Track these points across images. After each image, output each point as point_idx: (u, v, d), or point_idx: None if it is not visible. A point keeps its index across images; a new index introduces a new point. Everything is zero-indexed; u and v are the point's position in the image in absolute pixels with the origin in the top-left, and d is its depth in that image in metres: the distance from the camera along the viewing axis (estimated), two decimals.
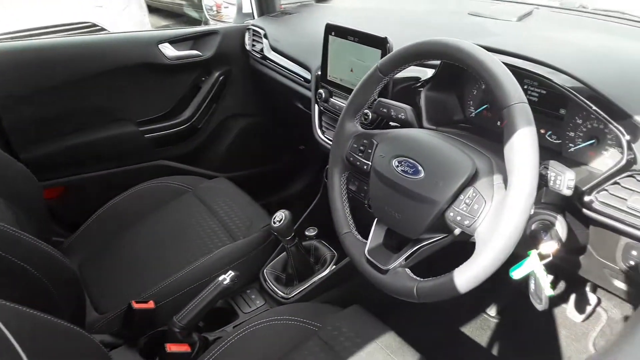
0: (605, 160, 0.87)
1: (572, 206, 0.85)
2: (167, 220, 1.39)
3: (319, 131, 1.35)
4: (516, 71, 0.77)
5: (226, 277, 1.07)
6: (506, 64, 0.76)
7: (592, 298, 1.39)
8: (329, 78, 1.27)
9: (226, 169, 1.89)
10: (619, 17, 1.23)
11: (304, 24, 1.69)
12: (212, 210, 1.41)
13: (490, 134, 1.02)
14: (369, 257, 0.88)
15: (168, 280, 1.18)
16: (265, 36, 1.67)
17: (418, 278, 0.81)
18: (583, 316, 1.40)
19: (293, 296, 1.23)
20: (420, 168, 0.82)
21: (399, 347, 0.97)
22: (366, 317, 1.05)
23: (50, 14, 3.37)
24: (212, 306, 1.05)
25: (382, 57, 1.08)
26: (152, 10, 4.81)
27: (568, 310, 1.43)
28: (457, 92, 1.10)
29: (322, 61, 1.27)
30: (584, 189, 0.81)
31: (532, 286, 0.84)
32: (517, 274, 0.81)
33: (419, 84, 1.10)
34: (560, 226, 0.85)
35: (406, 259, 0.84)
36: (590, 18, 1.30)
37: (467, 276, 0.73)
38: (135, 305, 1.07)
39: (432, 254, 0.86)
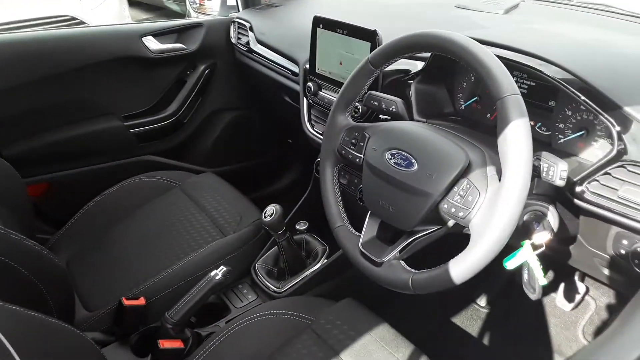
0: (595, 151, 0.88)
1: (563, 197, 0.86)
2: (155, 216, 1.37)
3: (308, 125, 1.34)
4: (506, 63, 0.77)
5: (218, 272, 1.06)
6: (497, 56, 0.76)
7: (581, 287, 1.42)
8: (317, 71, 1.26)
9: (213, 164, 1.87)
10: (604, 10, 1.25)
11: (290, 17, 1.67)
12: (201, 206, 1.40)
13: (480, 126, 1.02)
14: (363, 250, 0.88)
15: (158, 276, 1.16)
16: (251, 29, 1.65)
17: (413, 270, 0.82)
18: (572, 305, 1.42)
19: (285, 290, 1.22)
20: (413, 160, 0.82)
21: (393, 339, 0.98)
22: (359, 310, 1.05)
23: (27, 7, 3.28)
24: (205, 301, 1.04)
25: (371, 50, 1.08)
26: (132, 3, 4.72)
27: (557, 299, 1.45)
28: (446, 85, 1.10)
29: (311, 54, 1.26)
30: (575, 179, 0.82)
31: (525, 276, 0.85)
32: (510, 264, 0.82)
33: (409, 77, 1.10)
34: (552, 217, 0.86)
35: (400, 251, 0.84)
36: (575, 11, 1.31)
37: (462, 267, 0.74)
38: (126, 302, 1.06)
39: (426, 246, 0.87)
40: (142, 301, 1.09)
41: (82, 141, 1.57)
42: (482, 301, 1.57)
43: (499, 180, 0.76)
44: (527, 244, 0.82)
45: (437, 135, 0.85)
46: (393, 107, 0.97)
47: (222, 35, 1.77)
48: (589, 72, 0.82)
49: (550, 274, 1.46)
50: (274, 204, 1.15)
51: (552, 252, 0.98)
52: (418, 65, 1.08)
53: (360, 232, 0.93)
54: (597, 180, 0.81)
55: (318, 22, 1.21)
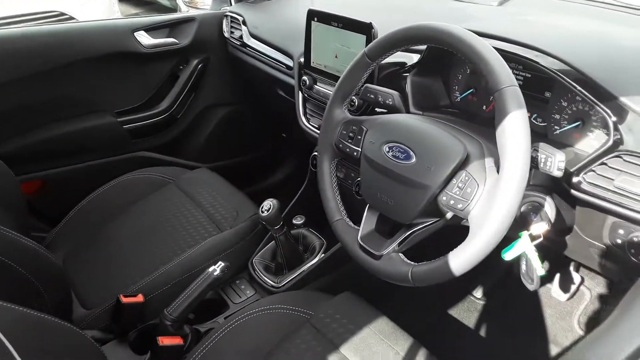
0: (591, 142, 0.88)
1: (560, 187, 0.86)
2: (150, 213, 1.37)
3: (303, 118, 1.34)
4: (502, 55, 0.77)
5: (216, 268, 1.06)
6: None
7: (576, 277, 1.43)
8: (312, 65, 1.25)
9: (207, 159, 1.86)
10: (598, 2, 1.25)
11: (283, 10, 1.66)
12: (196, 201, 1.39)
13: (476, 118, 1.03)
14: (362, 243, 0.88)
15: (156, 273, 1.16)
16: (244, 23, 1.64)
17: (412, 262, 0.82)
18: (567, 295, 1.44)
19: (283, 285, 1.22)
20: (411, 153, 0.82)
21: (392, 332, 0.98)
22: (358, 303, 1.05)
23: (14, 2, 3.24)
24: (203, 297, 1.04)
25: (367, 43, 1.08)
26: None
27: (553, 290, 1.47)
28: (442, 77, 1.10)
29: (305, 48, 1.25)
30: (571, 170, 0.82)
31: (523, 267, 0.86)
32: (509, 255, 0.83)
33: (405, 70, 1.10)
34: (549, 207, 0.86)
35: (399, 244, 0.84)
36: (569, 2, 1.31)
37: (462, 259, 0.74)
38: (124, 299, 1.06)
39: (424, 238, 0.87)
40: (140, 298, 1.09)
41: (75, 138, 1.55)
42: (478, 293, 1.58)
43: (497, 171, 0.77)
44: (525, 235, 0.83)
45: (435, 127, 0.85)
46: (390, 100, 0.97)
47: (214, 29, 1.75)
48: (585, 63, 0.82)
49: (546, 264, 1.48)
50: (271, 199, 1.15)
51: (548, 242, 0.99)
52: (414, 58, 1.08)
53: (358, 225, 0.93)
54: (593, 171, 0.81)
55: (312, 15, 1.20)
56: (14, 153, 1.45)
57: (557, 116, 0.93)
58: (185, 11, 3.94)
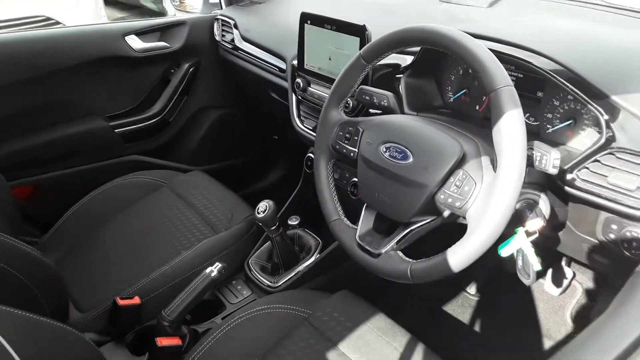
0: (583, 140, 0.90)
1: (553, 184, 0.88)
2: (144, 216, 1.36)
3: (297, 121, 1.34)
4: (496, 55, 0.78)
5: (213, 269, 1.06)
6: None
7: (568, 272, 1.45)
8: (306, 67, 1.26)
9: (200, 162, 1.86)
10: (585, 2, 1.28)
11: (275, 13, 1.67)
12: (190, 204, 1.39)
13: (469, 118, 1.04)
14: (360, 242, 0.89)
15: (152, 275, 1.16)
16: (236, 26, 1.64)
17: (411, 260, 0.83)
18: (560, 290, 1.46)
19: (280, 285, 1.23)
20: (408, 153, 0.83)
21: (389, 328, 0.99)
22: (355, 301, 1.06)
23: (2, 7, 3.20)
24: (201, 298, 1.04)
25: (361, 45, 1.09)
26: (108, 2, 4.63)
27: (545, 285, 1.49)
28: (435, 78, 1.12)
29: (299, 50, 1.26)
30: (565, 167, 0.84)
31: (519, 262, 0.87)
32: (505, 251, 0.84)
33: (398, 71, 1.11)
34: (544, 204, 0.88)
35: (397, 242, 0.85)
36: (556, 3, 1.34)
37: (460, 255, 0.75)
38: (121, 302, 1.05)
39: (422, 236, 0.88)
40: (136, 300, 1.09)
41: (67, 142, 1.54)
42: (472, 289, 1.60)
43: (494, 169, 0.78)
44: (521, 231, 0.84)
45: (431, 127, 0.87)
46: (385, 101, 0.98)
47: (205, 33, 1.75)
48: (577, 63, 0.84)
49: (539, 260, 1.50)
50: (267, 200, 1.16)
51: (541, 238, 1.00)
52: (407, 60, 1.09)
53: (355, 225, 0.94)
54: (587, 168, 0.83)
55: (306, 18, 1.21)
56: (4, 158, 1.43)
57: (550, 115, 0.95)
58: (173, 15, 3.94)
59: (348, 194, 1.21)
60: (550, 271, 1.47)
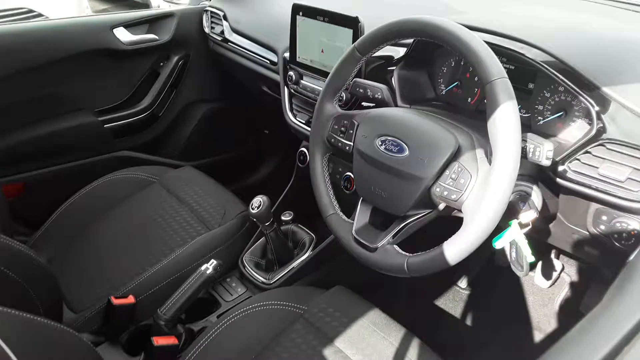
0: (573, 132, 0.91)
1: (545, 176, 0.89)
2: (136, 213, 1.35)
3: (290, 114, 1.33)
4: (490, 47, 0.79)
5: (209, 266, 1.06)
6: None
7: (557, 264, 1.47)
8: (298, 60, 1.25)
9: (190, 157, 1.85)
10: None
11: (265, 5, 1.65)
12: (182, 200, 1.38)
13: (461, 110, 1.05)
14: (356, 236, 0.89)
15: (145, 273, 1.15)
16: (225, 18, 1.63)
17: (407, 254, 0.83)
18: (549, 282, 1.48)
19: (275, 281, 1.23)
20: (404, 146, 0.84)
21: (385, 323, 0.99)
22: (350, 297, 1.06)
23: None
24: (197, 296, 1.04)
25: (354, 37, 1.09)
26: None
27: (535, 278, 1.51)
28: (427, 70, 1.12)
29: (291, 43, 1.25)
30: (557, 159, 0.85)
31: (513, 254, 0.88)
32: (499, 243, 0.85)
33: (390, 64, 1.11)
34: (536, 196, 0.89)
35: (394, 236, 0.86)
36: None
37: (457, 248, 0.76)
38: (115, 301, 1.04)
39: (417, 230, 0.88)
40: (131, 299, 1.08)
41: (55, 138, 1.52)
42: (462, 283, 1.61)
43: (488, 162, 0.79)
44: (514, 223, 0.85)
45: (426, 120, 0.87)
46: (379, 93, 0.98)
47: (194, 25, 1.73)
48: (568, 55, 0.85)
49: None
50: (261, 195, 1.15)
51: (532, 231, 1.02)
52: (400, 52, 1.09)
53: (350, 219, 0.94)
54: (578, 159, 0.84)
55: (298, 9, 1.20)
56: None
57: (541, 107, 0.95)
58: (157, 6, 3.88)
59: (341, 189, 1.21)
60: (539, 264, 1.49)
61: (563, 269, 1.48)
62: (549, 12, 1.18)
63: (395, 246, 0.85)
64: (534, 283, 1.51)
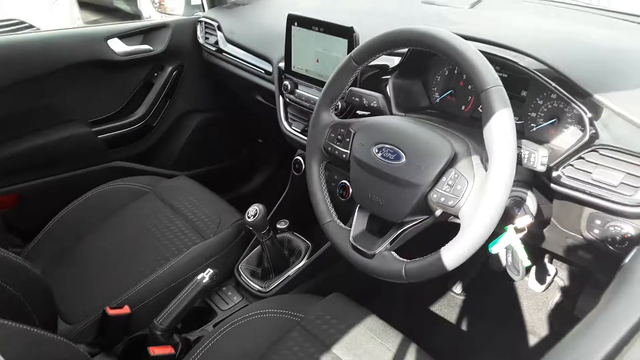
0: (566, 138, 0.93)
1: (539, 182, 0.90)
2: (130, 223, 1.34)
3: (285, 123, 1.34)
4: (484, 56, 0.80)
5: (205, 275, 1.05)
6: None
7: (551, 269, 1.48)
8: (293, 69, 1.26)
9: (184, 167, 1.84)
10: (561, 2, 1.31)
11: (259, 15, 1.67)
12: (177, 210, 1.38)
13: (456, 118, 1.06)
14: (354, 243, 0.90)
15: (141, 284, 1.14)
16: (220, 28, 1.64)
17: (405, 260, 0.84)
18: (543, 286, 1.49)
19: (271, 289, 1.22)
20: (401, 153, 0.84)
21: (382, 329, 1.00)
22: (347, 304, 1.06)
23: None
24: (193, 305, 1.03)
25: (349, 47, 1.10)
26: (80, 4, 4.54)
27: (529, 282, 1.52)
28: (421, 79, 1.13)
29: (286, 52, 1.26)
30: (551, 165, 0.86)
31: (509, 259, 0.89)
32: (495, 248, 0.86)
33: (385, 73, 1.12)
34: (531, 201, 0.90)
35: (391, 242, 0.86)
36: (533, 3, 1.37)
37: (455, 254, 0.76)
38: (111, 312, 1.03)
39: (414, 236, 0.89)
40: (126, 310, 1.07)
41: (49, 149, 1.51)
42: (457, 289, 1.62)
43: (484, 168, 0.80)
44: (510, 228, 0.86)
45: (422, 128, 0.88)
46: (374, 102, 0.99)
47: (188, 35, 1.74)
48: (561, 63, 0.87)
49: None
50: (257, 204, 1.15)
51: (526, 236, 1.03)
52: (395, 61, 1.11)
53: (347, 226, 0.95)
54: (571, 165, 0.85)
55: (293, 20, 1.21)
56: None
57: (534, 114, 0.97)
58: (148, 17, 3.89)
59: (337, 196, 1.22)
60: (533, 268, 1.50)
61: (556, 273, 1.49)
62: (539, 20, 1.20)
63: (392, 252, 0.86)
64: (528, 287, 1.53)
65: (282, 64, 1.30)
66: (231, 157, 2.03)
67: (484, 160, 0.81)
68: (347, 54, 1.00)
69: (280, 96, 1.34)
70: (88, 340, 1.06)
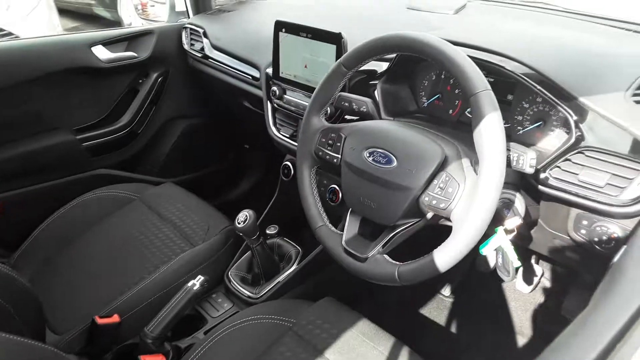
0: (552, 140, 0.95)
1: (527, 184, 0.92)
2: (117, 231, 1.33)
3: (273, 129, 1.34)
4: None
5: (195, 282, 1.05)
6: None
7: (537, 270, 1.51)
8: (282, 75, 1.26)
9: (171, 174, 1.83)
10: (544, 8, 1.34)
11: (245, 21, 1.67)
12: (164, 217, 1.36)
13: (444, 122, 1.07)
14: (346, 247, 0.90)
15: (129, 292, 1.13)
16: (205, 35, 1.63)
17: (398, 262, 0.84)
18: (530, 287, 1.51)
19: (262, 295, 1.22)
20: (392, 157, 0.85)
21: (374, 333, 1.00)
22: (338, 308, 1.06)
23: None
24: (184, 312, 1.02)
25: (337, 52, 1.11)
26: (60, 11, 4.49)
27: (517, 283, 1.54)
28: (409, 84, 1.15)
29: (274, 59, 1.26)
30: (538, 167, 0.88)
31: (499, 260, 0.90)
32: (485, 250, 0.87)
33: (373, 78, 1.13)
34: (520, 203, 0.92)
35: (383, 245, 0.87)
36: (518, 9, 1.40)
37: (447, 256, 0.77)
38: (100, 321, 1.02)
39: (406, 239, 0.90)
40: (116, 318, 1.05)
41: (32, 157, 1.48)
42: (446, 291, 1.63)
43: (474, 171, 0.81)
44: (500, 229, 0.87)
45: (412, 132, 0.89)
46: (364, 107, 1.00)
47: (173, 42, 1.73)
48: (546, 67, 0.88)
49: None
50: (246, 210, 1.15)
51: (515, 237, 1.04)
52: (383, 66, 1.12)
53: (339, 230, 0.95)
54: (558, 167, 0.87)
55: (280, 26, 1.21)
56: None
57: (520, 117, 0.99)
58: (129, 23, 3.86)
59: (326, 201, 1.22)
60: (521, 270, 1.52)
61: (543, 274, 1.51)
62: (522, 26, 1.22)
63: (385, 255, 0.86)
64: (516, 289, 1.55)
65: (269, 70, 1.31)
66: (218, 163, 2.02)
67: (474, 163, 0.82)
68: (336, 59, 1.01)
69: (269, 102, 1.34)
70: (77, 350, 1.04)
